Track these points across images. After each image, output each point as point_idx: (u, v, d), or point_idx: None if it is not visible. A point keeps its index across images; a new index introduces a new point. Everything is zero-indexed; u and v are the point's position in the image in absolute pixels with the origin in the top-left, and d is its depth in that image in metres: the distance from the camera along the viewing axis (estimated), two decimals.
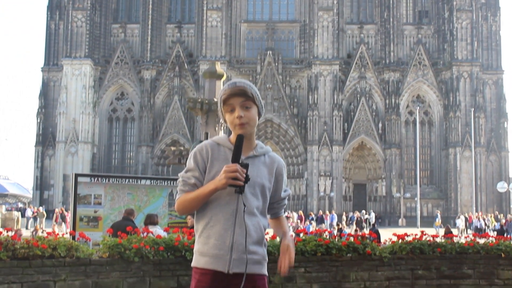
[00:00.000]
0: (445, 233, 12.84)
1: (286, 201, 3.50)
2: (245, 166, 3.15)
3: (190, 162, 3.35)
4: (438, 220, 44.20)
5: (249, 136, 3.34)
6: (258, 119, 3.40)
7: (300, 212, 44.59)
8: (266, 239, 9.38)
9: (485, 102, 59.11)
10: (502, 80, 61.60)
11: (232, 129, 3.33)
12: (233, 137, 3.35)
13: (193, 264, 3.32)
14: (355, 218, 44.29)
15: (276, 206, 3.43)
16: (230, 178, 3.10)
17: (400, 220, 52.74)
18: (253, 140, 3.38)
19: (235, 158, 3.16)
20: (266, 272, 3.32)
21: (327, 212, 49.15)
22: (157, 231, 10.14)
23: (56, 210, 43.25)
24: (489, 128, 59.56)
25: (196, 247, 3.34)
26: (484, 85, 60.06)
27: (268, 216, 3.45)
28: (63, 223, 37.59)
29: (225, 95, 3.31)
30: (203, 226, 3.28)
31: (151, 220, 11.27)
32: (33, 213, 42.59)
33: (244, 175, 3.13)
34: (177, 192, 3.35)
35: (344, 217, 47.13)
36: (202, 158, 3.32)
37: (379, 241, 11.03)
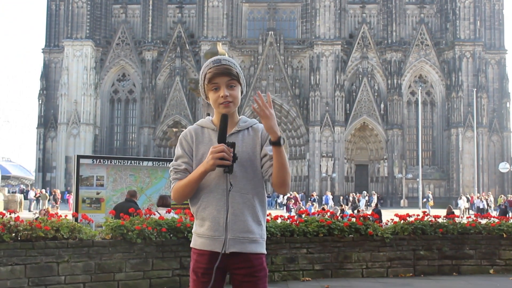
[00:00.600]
0: (446, 214, 12.84)
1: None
2: (232, 145, 3.13)
3: (177, 150, 3.35)
4: (431, 201, 44.32)
5: (232, 114, 3.33)
6: (241, 96, 3.39)
7: (295, 193, 44.34)
8: (268, 218, 9.37)
9: (487, 82, 58.89)
10: (504, 59, 61.33)
11: (215, 107, 3.31)
12: (216, 116, 3.35)
13: (191, 244, 3.35)
14: (350, 198, 44.39)
15: (268, 164, 3.29)
16: (217, 159, 3.08)
17: (402, 201, 52.87)
18: (235, 117, 3.37)
19: (221, 138, 3.14)
20: (263, 251, 3.31)
21: (329, 192, 49.27)
22: (162, 212, 10.15)
23: (56, 191, 43.63)
24: (491, 108, 59.43)
25: (193, 228, 3.36)
26: (487, 64, 59.80)
27: (269, 174, 3.29)
28: (56, 204, 37.73)
29: (210, 73, 3.28)
30: (196, 208, 3.30)
31: (163, 201, 11.27)
32: (36, 195, 42.71)
33: (232, 154, 3.12)
34: (171, 182, 3.35)
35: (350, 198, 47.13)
36: (187, 143, 3.33)
37: (380, 222, 11.03)
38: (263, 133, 3.34)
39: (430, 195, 46.67)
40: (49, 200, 40.13)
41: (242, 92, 3.37)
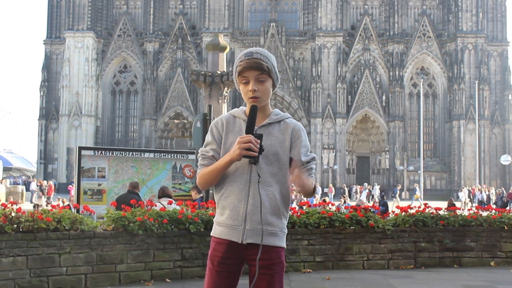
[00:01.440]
0: (448, 206, 12.86)
1: (312, 165, 3.35)
2: (259, 136, 3.13)
3: (208, 136, 3.38)
4: (417, 193, 44.41)
5: (263, 107, 3.34)
6: (273, 90, 3.39)
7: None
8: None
9: (489, 74, 58.76)
10: (507, 52, 61.13)
11: (245, 100, 3.33)
12: (247, 108, 3.34)
13: (211, 233, 3.36)
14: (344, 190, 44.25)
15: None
16: (244, 149, 3.09)
17: (403, 193, 52.85)
18: (267, 109, 3.37)
19: (249, 129, 3.15)
20: (282, 244, 3.30)
21: (330, 185, 49.30)
22: (164, 204, 10.16)
23: (42, 182, 43.33)
24: (493, 101, 59.32)
25: (215, 217, 3.38)
26: (489, 57, 59.66)
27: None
28: (42, 196, 37.69)
29: (240, 66, 3.28)
30: (219, 197, 3.32)
31: (164, 192, 11.29)
32: (39, 185, 42.77)
33: (258, 146, 3.11)
34: (197, 167, 3.38)
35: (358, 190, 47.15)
36: (218, 130, 3.34)
37: (383, 213, 11.02)
38: (295, 130, 3.35)
39: (417, 188, 46.78)
40: (49, 193, 40.14)
41: (274, 86, 3.37)
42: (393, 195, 45.01)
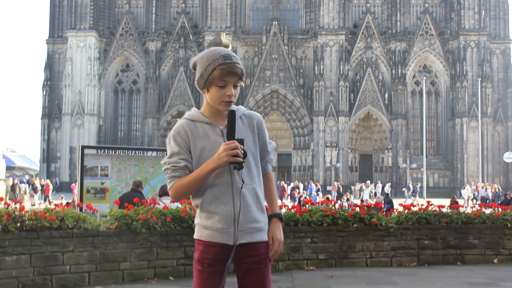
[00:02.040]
0: (450, 204, 12.83)
1: (272, 156, 3.45)
2: (241, 141, 3.11)
3: (172, 146, 3.25)
4: (411, 190, 44.49)
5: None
6: None
7: (282, 182, 43.86)
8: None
9: (492, 71, 58.64)
10: (509, 49, 60.97)
11: (215, 103, 3.25)
12: (207, 109, 3.30)
13: (196, 236, 3.31)
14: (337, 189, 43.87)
15: (263, 164, 3.40)
16: (232, 155, 3.07)
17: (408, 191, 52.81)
18: None
19: (231, 135, 3.12)
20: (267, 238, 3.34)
21: (334, 182, 49.21)
22: (166, 202, 10.18)
23: (34, 180, 43.02)
24: (496, 98, 59.19)
25: (197, 221, 3.31)
26: (492, 54, 59.54)
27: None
28: (34, 194, 37.54)
29: (222, 70, 3.19)
30: (201, 202, 3.26)
31: (165, 191, 11.30)
32: (30, 185, 42.66)
33: (243, 151, 3.11)
34: (168, 181, 3.25)
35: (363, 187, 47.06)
36: (182, 139, 3.24)
37: (387, 211, 10.98)
38: (259, 122, 3.37)
39: (410, 185, 46.81)
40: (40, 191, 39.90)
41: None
42: (413, 193, 44.77)
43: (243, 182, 3.20)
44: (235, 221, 3.20)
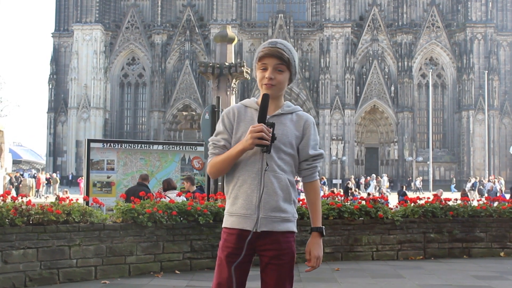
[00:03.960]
0: (461, 197, 12.84)
1: (318, 162, 3.43)
2: (271, 125, 3.14)
3: (219, 125, 3.38)
4: (386, 183, 44.84)
5: (276, 97, 3.35)
6: (289, 84, 3.41)
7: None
8: (298, 199, 9.35)
9: (499, 64, 58.41)
10: None
11: (259, 86, 3.35)
12: (260, 97, 3.35)
13: (223, 224, 3.35)
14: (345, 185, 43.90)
15: (306, 167, 3.39)
16: (256, 138, 3.09)
17: (412, 184, 52.76)
18: (280, 101, 3.40)
19: (261, 118, 3.15)
20: (294, 229, 3.33)
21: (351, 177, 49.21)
22: (172, 196, 10.20)
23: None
24: (502, 91, 58.97)
25: (226, 209, 3.37)
26: (498, 46, 59.27)
27: (300, 179, 3.45)
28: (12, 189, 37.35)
29: (262, 52, 3.30)
30: (231, 187, 3.32)
31: (170, 185, 11.32)
32: (47, 179, 42.82)
33: (270, 134, 3.12)
34: (208, 156, 3.39)
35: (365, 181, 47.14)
36: (229, 120, 3.35)
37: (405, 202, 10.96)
38: (307, 123, 3.37)
39: (385, 178, 47.03)
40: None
41: (291, 80, 3.38)
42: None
43: (267, 165, 3.21)
44: (259, 207, 3.21)
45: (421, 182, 48.45)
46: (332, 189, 34.11)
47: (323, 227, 3.41)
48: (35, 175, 44.90)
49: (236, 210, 3.26)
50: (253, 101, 3.40)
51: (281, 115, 3.32)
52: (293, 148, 3.31)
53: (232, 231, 3.25)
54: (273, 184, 3.22)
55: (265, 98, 3.19)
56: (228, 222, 3.29)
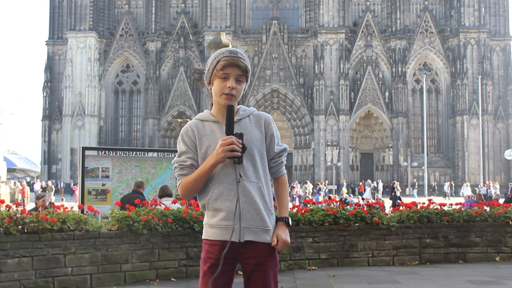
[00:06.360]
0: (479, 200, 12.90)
1: (284, 157, 3.45)
2: (240, 136, 3.14)
3: (180, 146, 3.34)
4: (344, 189, 45.07)
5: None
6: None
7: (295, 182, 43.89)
8: (293, 205, 9.24)
9: (492, 69, 58.61)
10: (509, 46, 60.89)
11: (217, 96, 3.31)
12: (215, 108, 3.35)
13: (203, 236, 3.35)
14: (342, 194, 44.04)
15: (273, 164, 3.41)
16: (228, 151, 3.09)
17: (407, 189, 52.85)
18: (235, 107, 3.38)
19: (229, 130, 3.16)
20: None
21: (360, 183, 49.20)
22: (167, 203, 10.18)
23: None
24: (496, 96, 59.15)
25: (204, 220, 3.36)
26: (492, 51, 59.50)
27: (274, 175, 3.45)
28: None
29: (225, 61, 3.26)
30: (207, 200, 3.30)
31: (166, 192, 11.29)
32: (42, 187, 42.65)
33: (241, 145, 3.12)
34: (176, 178, 3.34)
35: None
36: (189, 138, 3.32)
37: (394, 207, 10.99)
38: (266, 121, 3.38)
39: (344, 184, 47.18)
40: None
41: (244, 89, 3.38)
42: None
43: (241, 176, 3.21)
44: (240, 217, 3.20)
45: (411, 187, 48.56)
46: (329, 195, 34.13)
47: (289, 217, 3.39)
48: (32, 182, 44.77)
49: (217, 222, 3.25)
50: (208, 114, 3.38)
51: (239, 121, 3.32)
52: (260, 153, 3.32)
53: (214, 242, 3.25)
54: (250, 192, 3.23)
55: (230, 109, 3.18)
56: (208, 233, 3.29)
